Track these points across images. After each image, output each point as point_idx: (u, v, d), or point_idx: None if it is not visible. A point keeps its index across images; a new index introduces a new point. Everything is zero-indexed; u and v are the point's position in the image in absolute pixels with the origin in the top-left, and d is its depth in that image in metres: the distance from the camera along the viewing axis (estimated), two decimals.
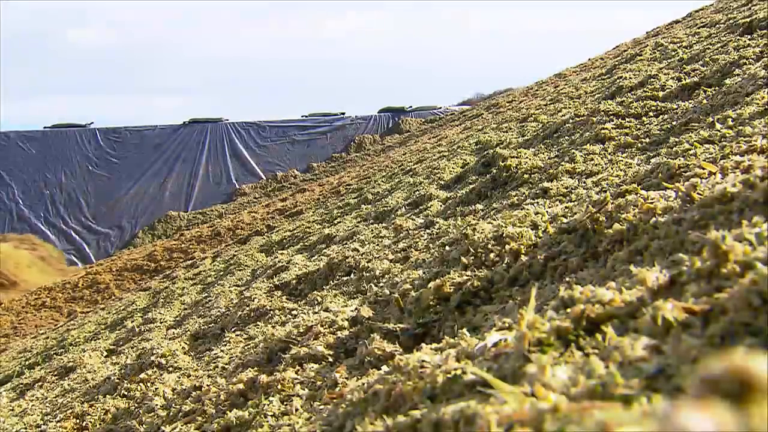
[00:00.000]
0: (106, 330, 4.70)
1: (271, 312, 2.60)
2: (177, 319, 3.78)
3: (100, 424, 2.19)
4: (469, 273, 1.64)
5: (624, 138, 2.66)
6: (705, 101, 2.56)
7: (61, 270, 12.38)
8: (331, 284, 2.63)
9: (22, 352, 5.62)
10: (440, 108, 19.70)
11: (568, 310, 0.85)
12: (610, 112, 3.13)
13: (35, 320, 8.44)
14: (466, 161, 4.43)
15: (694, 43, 4.21)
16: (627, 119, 2.93)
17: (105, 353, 3.67)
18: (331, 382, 1.42)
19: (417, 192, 4.01)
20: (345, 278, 2.60)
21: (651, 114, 2.89)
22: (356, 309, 1.93)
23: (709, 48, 3.60)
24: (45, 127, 16.62)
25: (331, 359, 1.63)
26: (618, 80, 4.05)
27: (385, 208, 4.05)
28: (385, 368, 0.97)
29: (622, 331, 0.77)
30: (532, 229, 1.73)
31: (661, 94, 3.08)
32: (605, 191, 1.92)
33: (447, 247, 2.05)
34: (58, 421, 2.37)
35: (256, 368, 1.79)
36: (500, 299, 1.48)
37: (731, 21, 4.20)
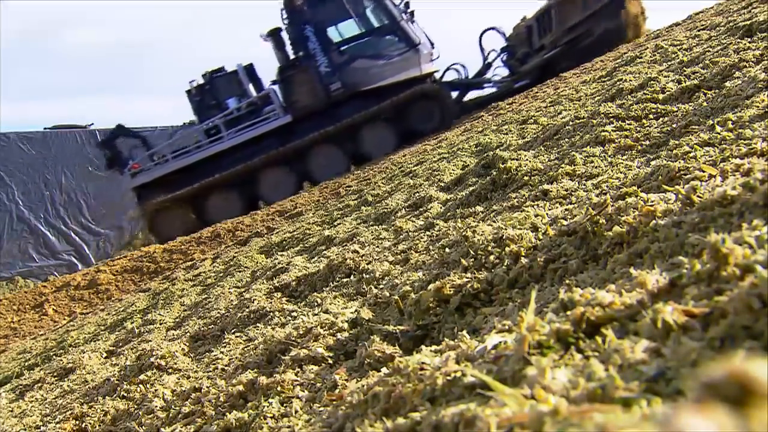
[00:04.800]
0: (106, 331, 4.69)
1: (271, 313, 2.60)
2: (177, 320, 3.78)
3: (99, 425, 2.19)
4: (468, 275, 1.64)
5: (624, 140, 2.66)
6: (705, 104, 2.57)
7: None
8: (331, 286, 2.63)
9: (21, 353, 5.62)
10: None
11: (568, 312, 0.85)
12: (610, 115, 3.13)
13: (35, 321, 8.44)
14: (466, 163, 4.43)
15: (694, 46, 4.22)
16: (627, 122, 2.93)
17: (104, 354, 3.66)
18: (331, 384, 1.42)
19: (417, 194, 4.01)
20: (345, 280, 2.60)
21: (651, 116, 2.89)
22: (356, 311, 1.93)
23: (709, 51, 3.60)
24: (45, 128, 16.63)
25: (330, 361, 1.63)
26: (618, 82, 4.05)
27: (385, 210, 4.04)
28: (384, 370, 0.97)
29: (622, 334, 0.77)
30: (532, 232, 1.73)
31: (661, 96, 3.08)
32: (605, 194, 1.92)
33: (447, 249, 2.06)
34: (58, 423, 2.37)
35: (255, 370, 1.79)
36: (500, 301, 1.48)
37: (731, 23, 4.20)
